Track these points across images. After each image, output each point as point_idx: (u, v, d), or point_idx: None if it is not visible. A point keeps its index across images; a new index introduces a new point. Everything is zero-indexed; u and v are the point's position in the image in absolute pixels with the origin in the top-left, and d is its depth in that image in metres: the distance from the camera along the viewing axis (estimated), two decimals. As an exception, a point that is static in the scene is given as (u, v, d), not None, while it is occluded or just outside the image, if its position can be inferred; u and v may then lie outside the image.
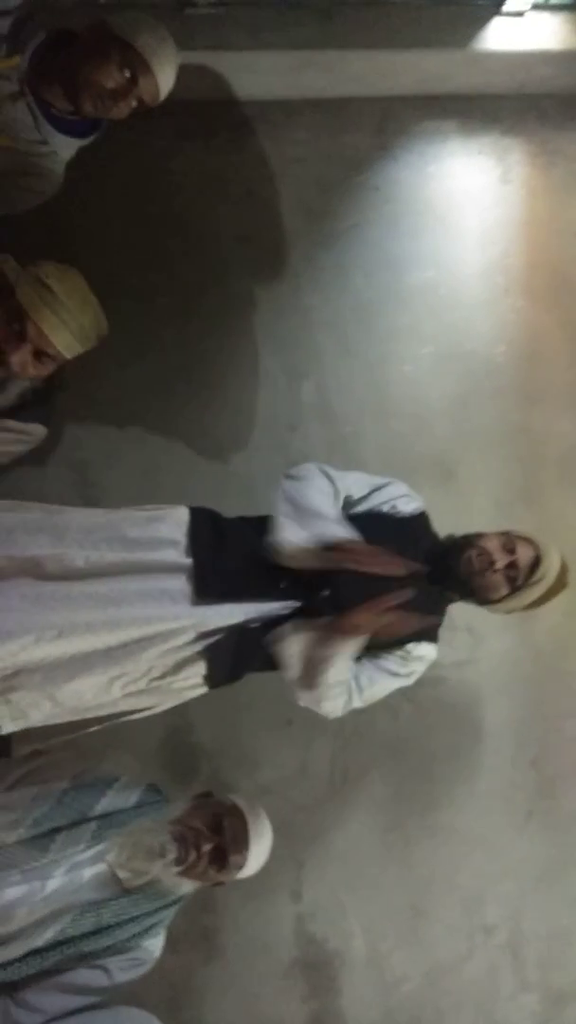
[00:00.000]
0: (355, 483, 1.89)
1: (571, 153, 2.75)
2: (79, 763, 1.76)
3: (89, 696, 1.64)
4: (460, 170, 2.69)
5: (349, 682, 1.78)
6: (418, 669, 1.91)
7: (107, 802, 1.69)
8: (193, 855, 1.64)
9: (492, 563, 1.83)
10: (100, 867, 1.63)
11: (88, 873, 1.62)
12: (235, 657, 1.72)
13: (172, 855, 1.63)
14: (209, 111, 2.46)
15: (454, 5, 2.47)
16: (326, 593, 1.70)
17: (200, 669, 1.71)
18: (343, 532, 1.70)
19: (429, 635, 1.90)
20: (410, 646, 1.85)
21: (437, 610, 1.92)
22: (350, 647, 1.69)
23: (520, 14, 2.53)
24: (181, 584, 1.68)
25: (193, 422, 2.45)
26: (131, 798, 1.73)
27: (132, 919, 1.64)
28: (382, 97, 2.62)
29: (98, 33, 1.71)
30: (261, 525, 1.77)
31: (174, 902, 1.73)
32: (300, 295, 2.55)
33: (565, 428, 2.66)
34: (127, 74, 1.70)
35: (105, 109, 1.73)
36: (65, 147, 1.84)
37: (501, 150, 2.72)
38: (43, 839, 1.59)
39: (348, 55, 2.42)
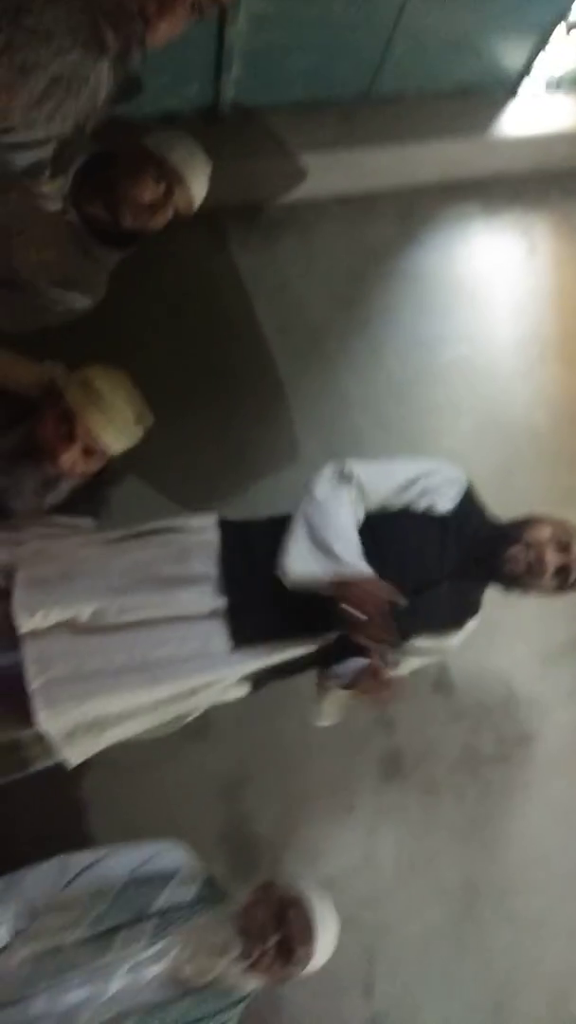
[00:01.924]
0: (384, 478, 1.80)
1: (595, 223, 2.82)
2: (137, 856, 1.74)
3: (145, 728, 1.73)
4: (486, 248, 2.78)
5: None
6: (456, 643, 1.89)
7: (166, 897, 1.66)
8: (258, 950, 1.58)
9: (542, 561, 1.73)
10: (162, 966, 1.59)
11: (150, 973, 1.57)
12: (278, 676, 1.77)
13: (236, 951, 1.58)
14: (241, 215, 2.60)
15: (470, 95, 2.60)
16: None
17: (244, 690, 1.77)
18: (350, 568, 1.62)
19: (472, 613, 1.86)
20: (451, 631, 1.84)
21: (478, 591, 1.87)
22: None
23: (535, 98, 2.64)
24: (218, 630, 1.66)
25: (237, 509, 2.48)
26: (190, 892, 1.69)
27: (196, 1020, 1.58)
28: (406, 187, 2.74)
29: (134, 152, 1.84)
30: None
31: (239, 1000, 1.66)
32: (336, 379, 2.63)
33: (616, 489, 2.64)
34: (163, 188, 1.81)
35: (143, 221, 1.85)
36: (107, 258, 1.96)
37: (525, 225, 2.80)
38: (103, 938, 1.56)
39: (369, 152, 2.56)
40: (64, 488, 1.80)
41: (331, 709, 1.85)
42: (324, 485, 1.75)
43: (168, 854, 1.79)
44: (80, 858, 1.70)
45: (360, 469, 1.77)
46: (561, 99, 2.69)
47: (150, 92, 2.22)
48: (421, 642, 1.82)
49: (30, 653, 1.60)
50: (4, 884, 1.64)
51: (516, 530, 1.79)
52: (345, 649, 1.69)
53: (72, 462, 1.71)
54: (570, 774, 2.52)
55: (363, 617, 1.54)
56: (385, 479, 1.79)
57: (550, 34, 2.39)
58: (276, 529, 1.77)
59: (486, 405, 2.68)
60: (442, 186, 2.76)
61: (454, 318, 2.72)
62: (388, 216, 2.74)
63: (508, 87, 2.60)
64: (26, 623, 1.61)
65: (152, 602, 1.67)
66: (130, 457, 1.87)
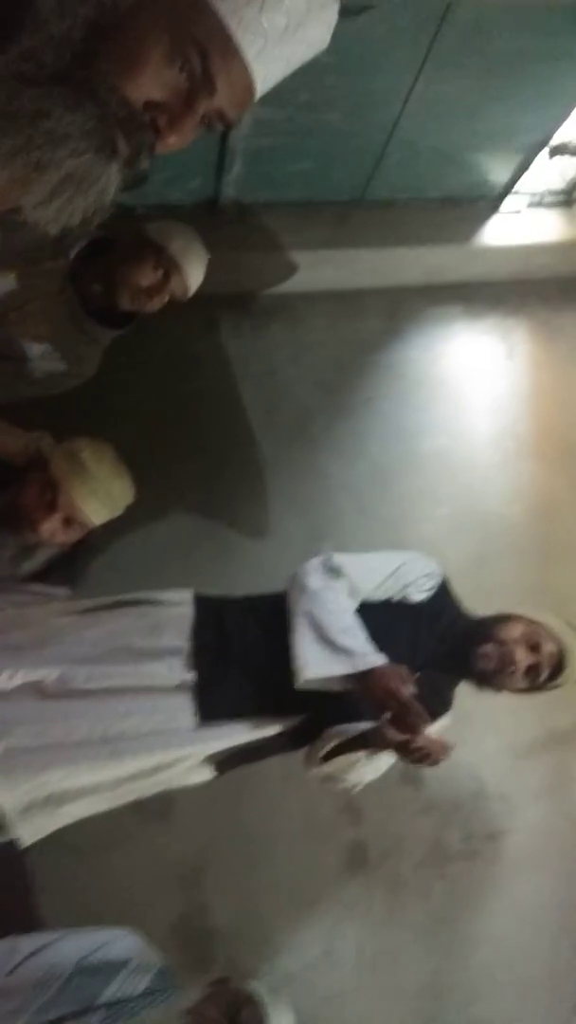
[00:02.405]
0: (369, 573, 1.81)
1: (571, 330, 2.96)
2: (87, 943, 1.66)
3: (104, 808, 1.69)
4: (467, 349, 2.89)
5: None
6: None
7: (115, 988, 1.58)
8: (208, 1050, 1.51)
9: (513, 660, 1.75)
10: (107, 1064, 1.50)
11: (94, 1070, 1.49)
12: (242, 761, 1.72)
13: (186, 1049, 1.51)
14: (235, 303, 2.70)
15: (456, 206, 2.75)
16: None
17: (208, 774, 1.72)
18: (374, 659, 1.60)
19: (444, 711, 1.84)
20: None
21: (449, 687, 1.87)
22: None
23: (517, 212, 2.80)
24: (185, 705, 1.64)
25: (215, 583, 2.49)
26: (141, 984, 1.61)
27: None
28: (392, 287, 2.86)
29: (135, 238, 1.94)
30: (271, 616, 1.74)
31: None
32: (318, 461, 2.68)
33: (586, 585, 2.68)
34: (160, 274, 1.90)
35: (140, 304, 1.92)
36: (102, 336, 2.03)
37: (505, 330, 2.93)
38: (47, 1030, 1.48)
39: (360, 252, 2.68)
40: (41, 557, 1.81)
41: (329, 769, 1.78)
42: (316, 579, 1.75)
43: (120, 943, 1.71)
44: (27, 942, 1.63)
45: (347, 563, 1.79)
46: (541, 214, 2.85)
47: (155, 183, 2.33)
48: None
49: None
50: (-54, 968, 1.57)
51: (488, 627, 1.82)
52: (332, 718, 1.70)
53: (52, 531, 1.72)
54: (538, 874, 2.46)
55: (397, 707, 1.53)
56: (369, 574, 1.82)
57: (534, 156, 2.56)
58: (251, 607, 1.79)
59: (463, 496, 2.74)
60: (427, 288, 2.89)
61: (435, 411, 2.81)
62: (375, 312, 2.86)
63: (492, 200, 2.76)
64: None
65: (121, 672, 1.66)
66: (110, 529, 1.89)
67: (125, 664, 1.66)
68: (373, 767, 1.78)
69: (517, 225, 2.82)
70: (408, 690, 1.54)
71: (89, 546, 1.89)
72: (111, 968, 1.62)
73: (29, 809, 1.62)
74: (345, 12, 0.90)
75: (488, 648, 1.77)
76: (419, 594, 1.84)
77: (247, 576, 2.53)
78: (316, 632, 1.64)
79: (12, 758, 1.57)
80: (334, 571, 1.77)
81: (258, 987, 1.67)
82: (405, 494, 2.71)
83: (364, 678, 1.57)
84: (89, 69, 0.79)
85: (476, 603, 2.59)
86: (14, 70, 0.78)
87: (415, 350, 2.85)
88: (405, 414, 2.78)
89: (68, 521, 1.72)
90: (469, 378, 2.85)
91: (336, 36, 0.90)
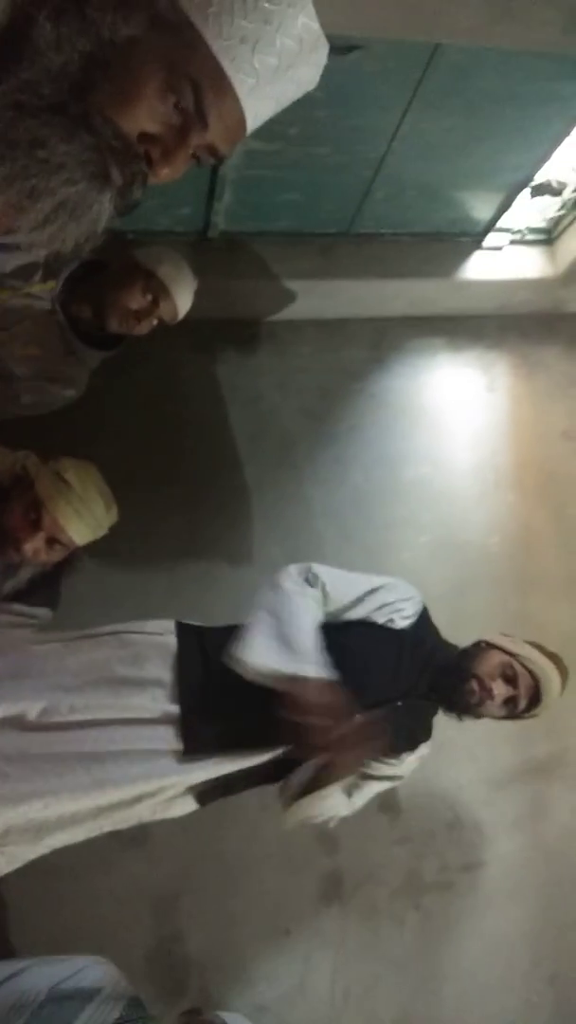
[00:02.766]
0: (347, 586, 1.83)
1: (550, 364, 3.02)
2: (59, 970, 1.64)
3: (81, 838, 1.66)
4: (449, 380, 2.94)
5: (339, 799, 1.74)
6: (410, 769, 1.87)
7: (86, 1017, 1.55)
8: None
9: (490, 692, 1.78)
10: None
11: None
12: (224, 792, 1.71)
13: (155, 1081, 1.48)
14: (222, 328, 2.73)
15: (439, 241, 2.81)
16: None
17: (189, 805, 1.70)
18: (314, 670, 1.59)
19: (425, 738, 1.86)
20: (404, 755, 1.81)
21: (430, 715, 1.87)
22: (342, 784, 1.68)
23: (499, 248, 2.87)
24: (168, 736, 1.63)
25: (196, 606, 2.49)
26: (112, 1013, 1.58)
27: None
28: (376, 318, 2.91)
29: (125, 263, 1.96)
30: None
31: None
32: (302, 487, 2.70)
33: (562, 615, 2.71)
34: (149, 298, 1.92)
35: (128, 327, 1.94)
36: (91, 358, 2.04)
37: (486, 363, 2.98)
38: (16, 1059, 1.45)
39: (345, 283, 2.73)
40: (23, 576, 1.80)
41: (293, 818, 1.77)
42: (289, 582, 1.77)
43: (92, 971, 1.68)
44: (0, 968, 1.60)
45: (325, 573, 1.81)
46: (523, 251, 2.92)
47: (146, 210, 2.37)
48: (375, 767, 1.81)
49: None
50: None
51: (468, 662, 1.84)
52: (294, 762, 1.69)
53: (35, 550, 1.71)
54: (512, 906, 2.46)
55: (312, 721, 1.52)
56: (347, 587, 1.83)
57: (516, 194, 2.63)
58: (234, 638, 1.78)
59: (443, 524, 2.76)
60: (411, 319, 2.94)
61: (416, 440, 2.84)
62: (359, 341, 2.90)
63: (475, 236, 2.83)
64: None
65: (104, 703, 1.65)
66: (93, 550, 1.89)
67: (107, 695, 1.66)
68: (345, 802, 1.79)
69: (499, 261, 2.88)
70: (337, 708, 1.54)
71: (72, 567, 1.89)
72: (83, 996, 1.59)
73: (7, 835, 1.59)
74: (335, 50, 0.93)
75: (468, 686, 1.80)
76: (402, 620, 1.85)
77: (228, 600, 2.53)
78: (272, 627, 1.65)
79: None
80: (310, 578, 1.79)
81: (230, 1018, 1.65)
82: (386, 521, 2.73)
83: (297, 684, 1.55)
84: (85, 101, 0.80)
85: (455, 630, 2.60)
86: (12, 100, 0.79)
87: (399, 380, 2.89)
88: (388, 442, 2.81)
89: (52, 541, 1.72)
90: (451, 409, 2.90)
91: (326, 73, 0.93)
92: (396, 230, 2.74)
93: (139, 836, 2.13)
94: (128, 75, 0.81)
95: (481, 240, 2.83)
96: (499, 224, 2.77)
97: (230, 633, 1.77)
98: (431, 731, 1.89)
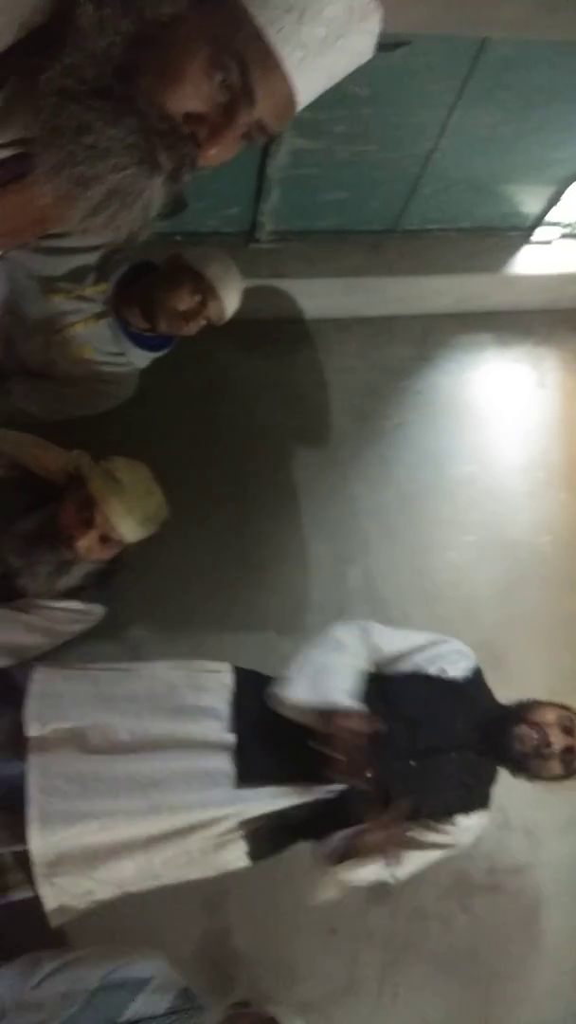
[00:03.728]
0: (396, 640, 1.87)
1: (602, 360, 2.96)
2: (110, 960, 1.66)
3: (130, 875, 1.63)
4: (497, 377, 2.90)
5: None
6: (465, 839, 1.80)
7: (138, 1006, 1.57)
8: (228, 1070, 1.50)
9: (548, 744, 1.74)
10: None
11: None
12: (277, 838, 1.69)
13: (206, 1069, 1.49)
14: (269, 328, 2.74)
15: (488, 236, 2.78)
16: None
17: (241, 848, 1.68)
18: (346, 702, 1.66)
19: (481, 803, 1.80)
20: (458, 818, 1.76)
21: (486, 777, 1.83)
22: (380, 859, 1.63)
23: (549, 242, 2.82)
24: (224, 765, 1.66)
25: (242, 604, 2.52)
26: (163, 1003, 1.61)
27: None
28: (423, 315, 2.89)
29: (174, 264, 1.98)
30: None
31: None
32: (347, 486, 2.70)
33: (615, 618, 2.66)
34: (198, 299, 1.94)
35: (177, 328, 1.96)
36: (140, 359, 2.07)
37: (536, 359, 2.94)
38: (71, 1044, 1.48)
39: (392, 280, 2.72)
40: (77, 573, 1.83)
41: (328, 886, 1.76)
42: (343, 632, 1.84)
43: (143, 962, 1.71)
44: (53, 958, 1.63)
45: (378, 629, 1.88)
46: (573, 244, 2.87)
47: (195, 211, 2.40)
48: (429, 833, 1.77)
49: (34, 764, 1.61)
50: (-27, 979, 1.57)
51: (522, 711, 1.82)
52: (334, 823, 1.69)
53: (88, 547, 1.74)
54: (560, 910, 2.42)
55: (340, 756, 1.56)
56: (399, 640, 1.88)
57: (565, 188, 2.58)
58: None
59: (491, 523, 2.73)
60: (458, 316, 2.92)
61: (463, 438, 2.82)
62: (406, 339, 2.88)
63: (524, 231, 2.79)
64: (34, 730, 1.65)
65: (162, 727, 1.69)
66: (143, 548, 1.91)
67: (166, 720, 1.70)
68: (386, 871, 1.73)
69: (548, 255, 2.84)
70: (363, 735, 1.58)
71: (123, 564, 1.92)
72: (134, 985, 1.61)
73: (60, 864, 1.61)
74: (382, 47, 0.89)
75: (524, 730, 1.76)
76: (456, 671, 1.86)
77: (275, 599, 2.56)
78: (311, 668, 1.74)
79: (50, 806, 1.59)
80: (364, 631, 1.86)
81: (280, 1011, 1.65)
82: (432, 520, 2.71)
83: (325, 715, 1.62)
84: (130, 83, 0.78)
85: (503, 631, 2.60)
86: (57, 86, 0.78)
87: (445, 377, 2.87)
88: (434, 440, 2.79)
89: (104, 538, 1.75)
90: (499, 406, 2.86)
91: (373, 70, 0.90)
92: (443, 226, 2.71)
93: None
94: (172, 54, 0.79)
95: (530, 234, 2.80)
96: (548, 218, 2.73)
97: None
98: (488, 798, 1.84)
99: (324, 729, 1.60)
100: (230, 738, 1.69)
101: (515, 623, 2.63)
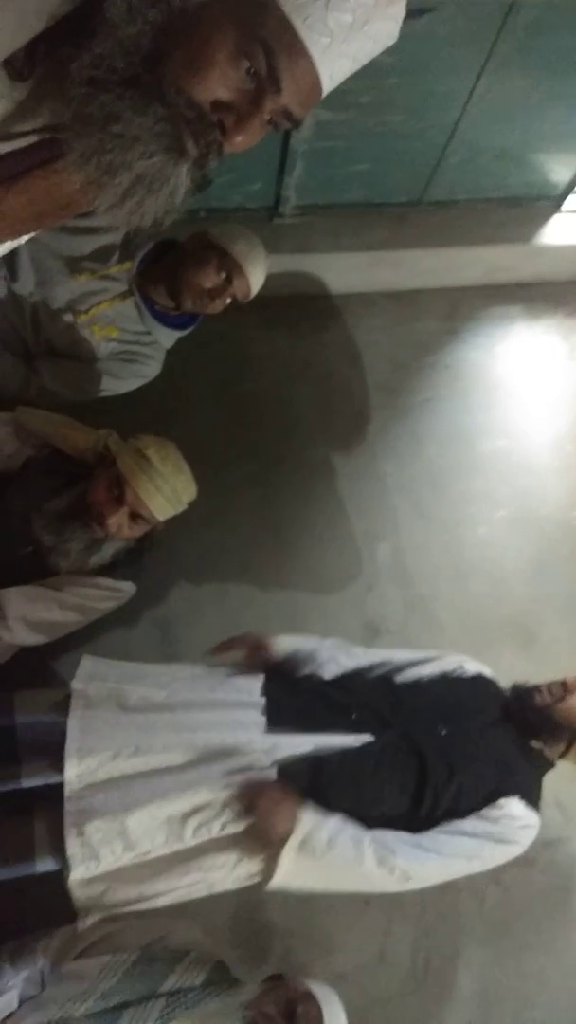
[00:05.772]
0: (394, 652, 1.95)
1: None
2: (148, 933, 1.69)
3: (161, 836, 1.62)
4: (527, 349, 2.86)
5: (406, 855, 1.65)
6: (512, 831, 1.75)
7: (176, 978, 1.60)
8: (265, 1042, 1.52)
9: (565, 688, 1.81)
10: (167, 1050, 1.52)
11: (155, 1056, 1.51)
12: (310, 797, 1.66)
13: (243, 1041, 1.52)
14: (294, 304, 2.72)
15: (516, 206, 2.73)
16: None
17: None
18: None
19: (526, 792, 1.79)
20: (503, 801, 1.74)
21: (524, 761, 1.84)
22: None
23: (578, 211, 2.77)
24: (254, 717, 1.71)
25: (272, 582, 2.52)
26: (199, 976, 1.64)
27: None
28: (451, 288, 2.85)
29: (199, 242, 1.97)
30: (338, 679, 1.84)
31: None
32: (376, 462, 2.68)
33: None
34: (223, 276, 1.93)
35: (203, 306, 1.96)
36: (166, 337, 2.07)
37: (566, 330, 2.89)
38: (110, 1014, 1.50)
39: (419, 253, 2.68)
40: (107, 551, 1.85)
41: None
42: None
43: (180, 935, 1.74)
44: (91, 930, 1.67)
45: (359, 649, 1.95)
46: (603, 213, 2.82)
47: (218, 187, 2.38)
48: (483, 824, 1.74)
49: (75, 715, 1.66)
50: (17, 947, 1.61)
51: (528, 687, 1.88)
52: None
53: (119, 525, 1.76)
54: (595, 884, 2.42)
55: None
56: (401, 653, 1.95)
57: (596, 155, 2.53)
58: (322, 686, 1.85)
59: (522, 498, 2.70)
60: (486, 288, 2.87)
61: (493, 412, 2.78)
62: (433, 312, 2.85)
63: (554, 200, 2.74)
64: (79, 684, 1.70)
65: (199, 695, 1.76)
66: (172, 526, 1.92)
67: (203, 690, 1.77)
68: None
69: (578, 225, 2.78)
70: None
71: (153, 542, 1.93)
72: (172, 958, 1.64)
73: (94, 797, 1.61)
74: (406, 15, 0.89)
75: (543, 685, 1.84)
76: (472, 668, 1.92)
77: (305, 576, 2.56)
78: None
79: (88, 738, 1.63)
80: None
81: (315, 984, 1.67)
82: (463, 496, 2.69)
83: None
84: (158, 72, 0.80)
85: (534, 605, 2.57)
86: (87, 76, 0.79)
87: (474, 351, 2.83)
88: (463, 415, 2.76)
89: (134, 516, 1.76)
90: (529, 379, 2.82)
91: (398, 39, 0.90)
92: (471, 196, 2.67)
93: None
94: (199, 43, 0.80)
95: (560, 203, 2.74)
96: (578, 186, 2.68)
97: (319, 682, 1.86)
98: (533, 790, 1.81)
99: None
100: (260, 699, 1.75)
101: (547, 599, 2.61)
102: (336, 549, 2.58)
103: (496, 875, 2.40)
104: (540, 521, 2.69)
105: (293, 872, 1.63)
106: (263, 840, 1.61)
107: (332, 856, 1.60)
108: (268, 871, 1.66)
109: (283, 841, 1.58)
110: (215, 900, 2.18)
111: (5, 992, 1.55)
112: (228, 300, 1.98)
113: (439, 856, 1.66)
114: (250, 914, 2.24)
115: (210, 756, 1.65)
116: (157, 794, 1.61)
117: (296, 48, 0.82)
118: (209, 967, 1.69)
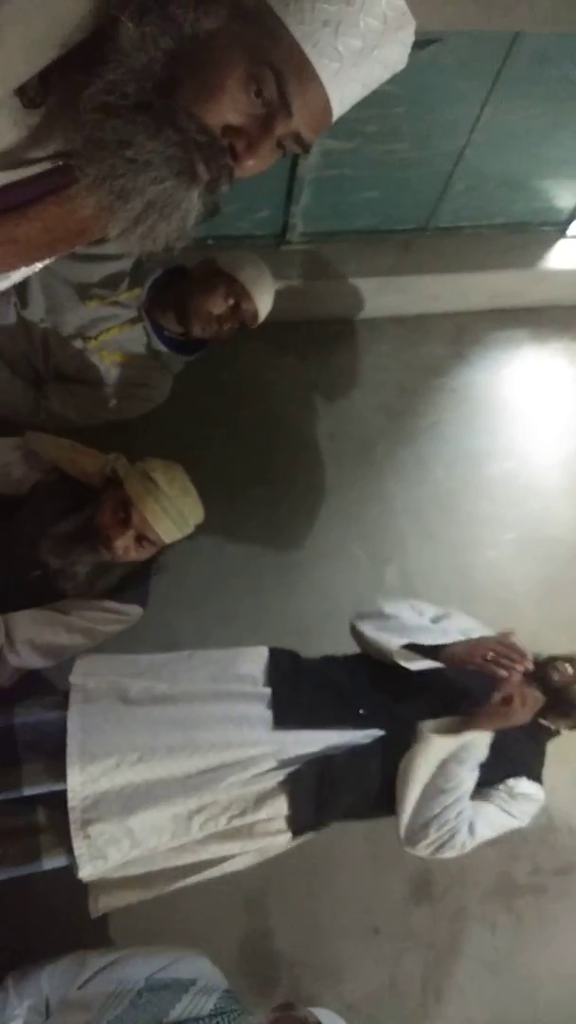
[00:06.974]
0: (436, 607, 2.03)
1: None
2: (156, 961, 1.67)
3: (168, 833, 1.61)
4: (534, 373, 2.87)
5: (461, 818, 1.70)
6: (525, 809, 1.82)
7: (183, 1007, 1.58)
8: (272, 1072, 1.50)
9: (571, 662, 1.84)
10: None
11: None
12: (318, 795, 1.66)
13: (251, 1071, 1.49)
14: (302, 330, 2.74)
15: (521, 232, 2.76)
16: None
17: (282, 807, 1.66)
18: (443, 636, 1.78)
19: (529, 772, 1.83)
20: (511, 781, 1.79)
21: (535, 746, 1.88)
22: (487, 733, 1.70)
23: (583, 237, 2.79)
24: (260, 711, 1.70)
25: (280, 605, 2.52)
26: (207, 1004, 1.61)
27: None
28: (457, 312, 2.87)
29: (207, 268, 2.00)
30: (346, 661, 1.85)
31: None
32: (383, 485, 2.69)
33: None
34: (231, 302, 1.96)
35: (211, 331, 1.98)
36: (174, 363, 2.09)
37: (572, 354, 2.90)
38: (116, 1044, 1.49)
39: (425, 278, 2.70)
40: (115, 575, 1.85)
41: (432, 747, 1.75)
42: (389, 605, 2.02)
43: (187, 963, 1.72)
44: (97, 957, 1.65)
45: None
46: (608, 238, 2.83)
47: (226, 215, 2.41)
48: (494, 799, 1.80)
49: (75, 710, 1.66)
50: (21, 975, 1.60)
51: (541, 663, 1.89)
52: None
53: (125, 548, 1.76)
54: (609, 912, 2.38)
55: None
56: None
57: (600, 181, 2.55)
58: (330, 657, 1.91)
59: (530, 521, 2.70)
60: (493, 312, 2.89)
61: (500, 435, 2.79)
62: (440, 337, 2.87)
63: (559, 225, 2.76)
64: (77, 678, 1.72)
65: (201, 685, 1.74)
66: (179, 549, 1.93)
67: (205, 681, 1.76)
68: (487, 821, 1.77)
69: (583, 250, 2.80)
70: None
71: (160, 566, 1.93)
72: (179, 986, 1.62)
73: (96, 807, 1.59)
74: (412, 44, 0.90)
75: (559, 663, 1.86)
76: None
77: (313, 598, 2.55)
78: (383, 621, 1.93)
79: (90, 740, 1.61)
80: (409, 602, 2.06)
81: (324, 1013, 1.65)
82: (470, 518, 2.69)
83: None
84: (169, 97, 0.80)
85: (545, 629, 2.55)
86: (99, 102, 0.80)
87: (481, 374, 2.85)
88: (470, 438, 2.77)
89: (140, 538, 1.76)
90: (536, 402, 2.83)
91: (403, 69, 0.90)
92: (476, 222, 2.70)
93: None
94: (210, 68, 0.81)
95: (565, 229, 2.76)
96: (583, 212, 2.70)
97: (332, 659, 1.91)
98: (532, 766, 1.87)
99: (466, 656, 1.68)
100: (265, 691, 1.74)
101: (559, 622, 2.59)
102: (344, 572, 2.58)
103: (508, 902, 2.37)
104: (549, 543, 2.68)
105: (437, 747, 1.69)
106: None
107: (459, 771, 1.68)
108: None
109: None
110: (223, 928, 2.17)
111: (10, 1022, 1.54)
112: (236, 326, 2.00)
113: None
114: (258, 942, 2.22)
115: (215, 762, 1.63)
116: (162, 799, 1.61)
117: (307, 73, 0.82)
118: (218, 995, 1.66)
